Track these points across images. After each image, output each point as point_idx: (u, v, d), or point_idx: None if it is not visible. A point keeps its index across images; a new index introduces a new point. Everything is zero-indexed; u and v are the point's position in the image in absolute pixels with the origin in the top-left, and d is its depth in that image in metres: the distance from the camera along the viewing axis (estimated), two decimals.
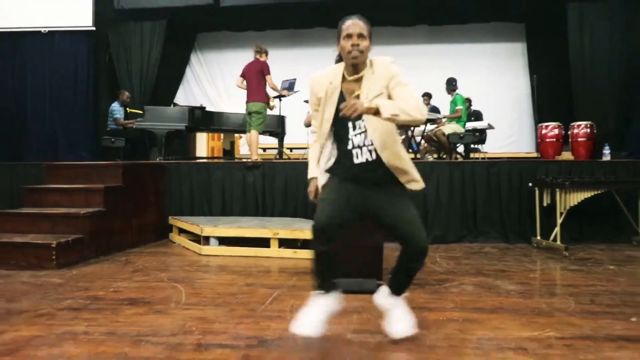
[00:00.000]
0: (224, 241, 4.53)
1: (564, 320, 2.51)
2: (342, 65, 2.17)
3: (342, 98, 2.11)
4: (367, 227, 3.07)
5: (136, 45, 8.70)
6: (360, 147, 2.11)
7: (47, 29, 6.60)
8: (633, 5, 6.88)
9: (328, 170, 2.21)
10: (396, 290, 2.26)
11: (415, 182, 2.15)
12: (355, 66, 2.11)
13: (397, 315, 2.23)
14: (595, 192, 4.47)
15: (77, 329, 2.40)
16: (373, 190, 2.12)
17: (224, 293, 3.06)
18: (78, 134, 6.65)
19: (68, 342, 2.22)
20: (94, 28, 6.71)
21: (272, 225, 4.50)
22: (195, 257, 4.35)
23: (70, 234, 4.06)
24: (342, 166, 2.15)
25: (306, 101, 5.00)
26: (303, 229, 4.27)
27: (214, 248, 4.45)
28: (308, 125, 6.47)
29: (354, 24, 2.07)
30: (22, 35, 6.61)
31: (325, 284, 2.19)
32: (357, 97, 2.08)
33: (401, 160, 2.11)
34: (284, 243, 4.38)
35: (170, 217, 5.37)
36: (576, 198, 4.41)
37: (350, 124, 2.11)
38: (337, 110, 2.07)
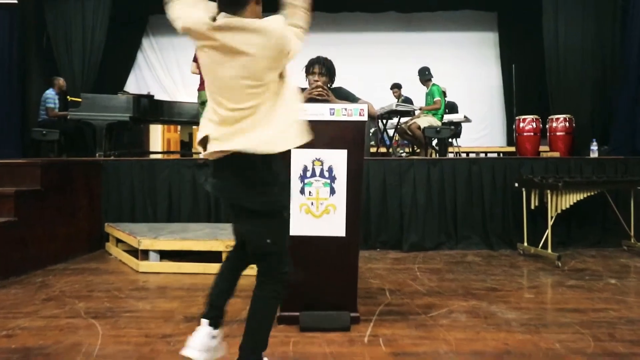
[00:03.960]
0: (166, 254, 3.82)
1: None
2: None
3: None
4: (335, 245, 2.47)
5: (77, 25, 7.78)
6: None
7: None
8: None
9: None
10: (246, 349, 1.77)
11: None
12: None
13: None
14: (590, 193, 4.02)
15: None
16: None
17: (155, 335, 2.38)
18: (1, 127, 5.69)
19: None
20: (15, 1, 5.73)
21: (225, 236, 3.81)
22: (132, 276, 3.62)
23: None
24: None
25: None
26: None
27: (153, 264, 3.73)
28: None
29: None
30: None
31: (207, 310, 1.87)
32: None
33: None
34: None
35: (106, 225, 4.58)
36: (569, 200, 3.94)
37: None
38: None
